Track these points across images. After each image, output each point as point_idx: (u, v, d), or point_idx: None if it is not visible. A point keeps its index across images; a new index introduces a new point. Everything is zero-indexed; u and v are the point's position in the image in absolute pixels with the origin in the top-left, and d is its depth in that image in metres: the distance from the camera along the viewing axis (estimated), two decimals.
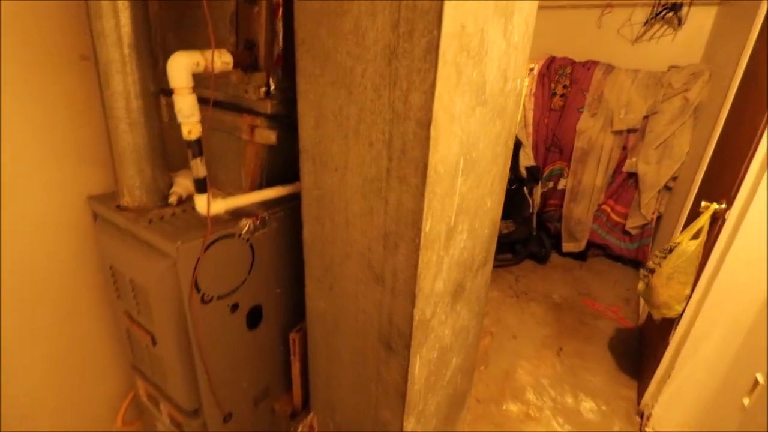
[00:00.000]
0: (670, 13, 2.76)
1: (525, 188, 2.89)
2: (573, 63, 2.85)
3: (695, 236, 1.44)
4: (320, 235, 0.79)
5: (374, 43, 0.58)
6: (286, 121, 0.83)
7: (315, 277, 0.86)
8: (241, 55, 0.74)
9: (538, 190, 3.05)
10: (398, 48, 0.55)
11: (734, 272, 1.30)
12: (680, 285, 1.46)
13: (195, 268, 0.78)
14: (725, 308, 1.35)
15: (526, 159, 3.04)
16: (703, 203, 1.43)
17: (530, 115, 2.97)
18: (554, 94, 2.90)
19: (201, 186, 0.75)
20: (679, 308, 1.49)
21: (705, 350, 1.42)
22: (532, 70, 1.67)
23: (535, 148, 3.06)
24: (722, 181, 1.49)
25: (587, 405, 1.76)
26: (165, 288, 0.81)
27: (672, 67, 2.59)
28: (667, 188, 2.59)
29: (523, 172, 2.95)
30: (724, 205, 1.37)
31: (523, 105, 2.97)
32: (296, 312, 1.06)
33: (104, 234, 0.95)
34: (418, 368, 0.83)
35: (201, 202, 0.77)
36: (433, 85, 0.53)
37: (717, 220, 1.40)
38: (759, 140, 1.22)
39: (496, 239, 1.16)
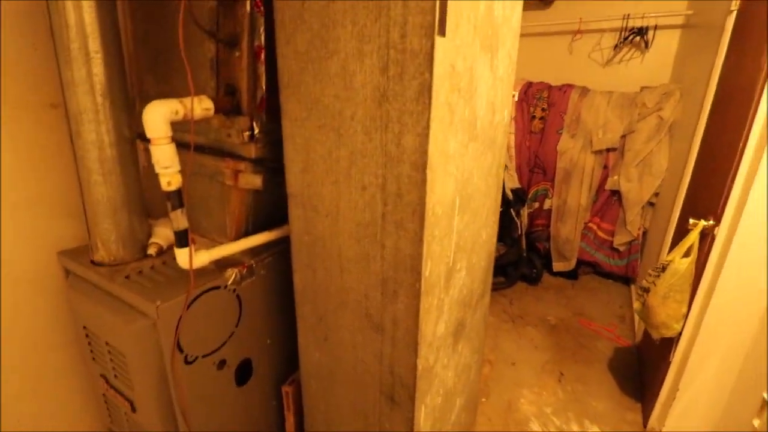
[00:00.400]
0: (637, 37, 2.89)
1: (512, 210, 2.90)
2: (549, 87, 2.93)
3: (686, 254, 1.44)
4: (312, 283, 0.75)
5: (363, 86, 0.56)
6: (272, 164, 0.79)
7: (308, 328, 0.80)
8: (222, 100, 0.71)
9: (524, 212, 3.07)
10: (389, 90, 0.53)
11: (730, 288, 1.30)
12: (677, 304, 1.45)
13: (177, 328, 0.72)
14: (725, 325, 1.33)
15: (511, 181, 3.07)
16: (692, 221, 1.44)
17: (512, 138, 3.02)
18: (533, 117, 2.97)
19: (182, 239, 0.70)
20: (678, 327, 1.47)
21: (708, 370, 1.39)
22: (514, 97, 1.69)
23: (519, 170, 3.10)
24: (707, 197, 1.51)
25: None
26: (144, 351, 0.75)
27: (644, 87, 2.69)
28: (650, 204, 2.63)
29: (509, 194, 2.97)
30: (711, 222, 1.38)
31: None
32: (289, 363, 1.00)
33: (77, 292, 0.88)
34: (423, 418, 0.77)
35: (182, 257, 0.71)
36: (427, 127, 0.51)
37: (706, 237, 1.41)
38: (740, 158, 1.25)
39: (492, 270, 1.13)
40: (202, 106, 0.69)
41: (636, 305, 1.63)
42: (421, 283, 0.58)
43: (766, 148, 1.13)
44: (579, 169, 2.83)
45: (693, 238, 1.42)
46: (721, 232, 1.32)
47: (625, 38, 2.86)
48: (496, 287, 2.85)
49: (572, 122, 2.82)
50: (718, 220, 1.34)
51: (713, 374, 1.38)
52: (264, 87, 0.73)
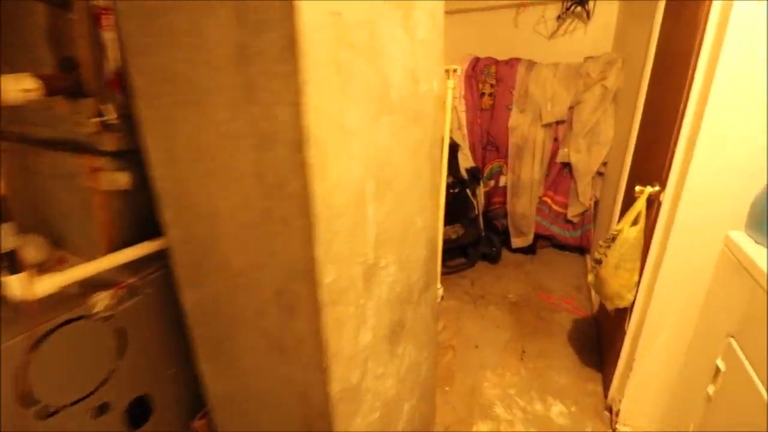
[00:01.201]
0: (579, 8, 2.87)
1: (468, 190, 2.84)
2: (497, 62, 2.87)
3: (635, 222, 1.41)
4: (201, 302, 0.62)
5: (219, 44, 0.43)
6: (142, 158, 0.65)
7: (207, 354, 0.67)
8: (56, 78, 0.55)
9: (481, 191, 3.03)
10: (250, 48, 0.40)
11: (678, 254, 1.28)
12: (628, 273, 1.43)
13: (22, 375, 0.57)
14: (675, 293, 1.32)
15: (465, 160, 3.01)
16: (638, 188, 1.41)
17: (463, 116, 2.95)
18: (483, 94, 2.91)
19: (10, 264, 0.55)
20: (630, 297, 1.46)
21: (662, 339, 1.38)
22: (455, 71, 1.59)
23: (473, 148, 3.04)
24: (652, 163, 1.48)
25: (557, 409, 1.68)
26: None
27: (588, 58, 2.68)
28: (599, 174, 2.65)
29: (464, 173, 2.91)
30: (657, 188, 1.35)
31: (455, 107, 2.94)
32: (201, 393, 0.86)
33: None
34: None
35: (13, 285, 0.56)
36: (300, 94, 0.39)
37: (653, 203, 1.38)
38: (681, 121, 1.21)
39: (437, 257, 1.04)
40: (18, 86, 0.53)
41: (590, 278, 1.61)
42: (320, 293, 0.47)
43: (705, 108, 1.09)
44: (530, 144, 2.81)
45: (640, 205, 1.39)
46: (666, 198, 1.29)
47: (567, 8, 2.82)
48: (457, 269, 2.81)
49: (521, 97, 2.78)
50: (663, 186, 1.31)
51: (667, 343, 1.38)
52: (118, 59, 0.58)
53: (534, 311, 2.33)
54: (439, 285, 1.81)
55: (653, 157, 1.48)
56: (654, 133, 1.54)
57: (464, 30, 3.49)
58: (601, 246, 1.54)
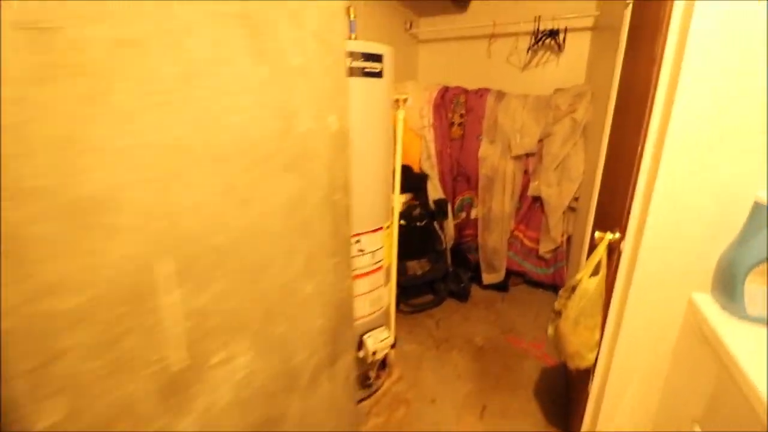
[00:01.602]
0: (550, 40, 2.82)
1: (435, 223, 2.70)
2: (466, 91, 2.79)
3: (595, 272, 1.27)
4: None
5: None
6: None
7: None
8: None
9: (450, 223, 2.89)
10: None
11: (640, 314, 1.13)
12: (588, 331, 1.27)
13: None
14: (637, 357, 1.16)
15: (435, 191, 2.88)
16: (597, 234, 1.27)
17: (432, 146, 2.85)
18: (452, 123, 2.81)
19: None
20: (592, 357, 1.29)
21: (625, 407, 1.21)
22: (405, 101, 1.47)
23: (443, 178, 2.92)
24: (613, 207, 1.35)
25: None
26: None
27: (558, 89, 2.61)
28: (571, 209, 2.54)
29: (433, 205, 2.78)
30: (618, 235, 1.22)
31: (423, 136, 2.84)
32: None
33: None
34: None
35: None
36: None
37: (614, 252, 1.24)
38: (639, 163, 1.08)
39: (350, 321, 0.87)
40: None
41: (549, 330, 1.45)
42: None
43: (663, 150, 0.97)
44: (500, 176, 2.70)
45: (600, 253, 1.25)
46: (626, 248, 1.15)
47: (538, 40, 2.78)
48: (422, 307, 2.62)
49: (490, 127, 2.68)
50: (623, 233, 1.18)
51: (631, 412, 1.21)
52: None
53: (501, 358, 2.15)
54: (387, 333, 1.63)
55: (614, 200, 1.36)
56: (615, 174, 1.42)
57: (437, 59, 3.44)
58: (561, 297, 1.39)
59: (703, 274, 0.98)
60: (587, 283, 1.26)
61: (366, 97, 1.40)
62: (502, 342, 2.28)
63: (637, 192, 1.10)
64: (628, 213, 1.14)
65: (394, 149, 1.63)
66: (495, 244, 2.80)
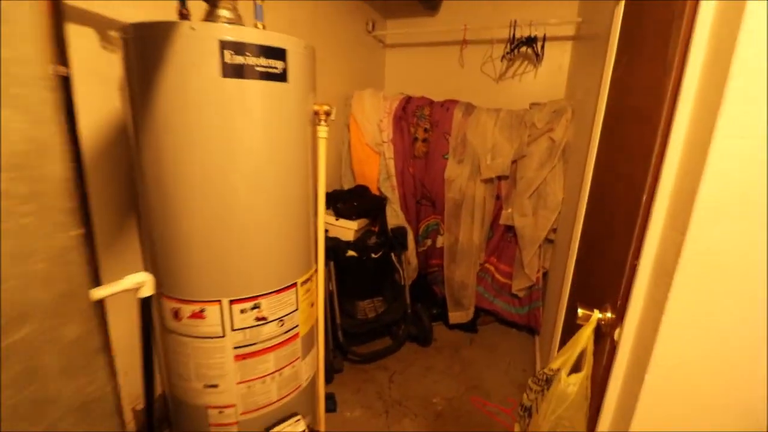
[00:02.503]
0: (526, 48, 2.50)
1: (393, 255, 2.31)
2: (431, 103, 2.43)
3: (576, 368, 0.89)
4: None
5: None
6: None
7: None
8: None
9: (411, 255, 2.50)
10: None
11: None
12: None
13: None
14: None
15: (394, 217, 2.49)
16: (580, 311, 0.89)
17: (391, 164, 2.47)
18: (416, 139, 2.44)
19: None
20: None
21: None
22: (327, 115, 1.07)
23: (404, 201, 2.54)
24: (602, 270, 0.98)
25: None
26: None
27: (533, 104, 2.27)
28: (548, 241, 2.18)
29: (391, 234, 2.39)
30: (609, 315, 0.85)
31: (382, 153, 2.46)
32: None
33: None
34: None
35: None
36: None
37: (604, 339, 0.87)
38: (645, 220, 0.71)
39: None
40: None
41: (516, 429, 1.06)
42: None
43: (693, 209, 0.59)
44: (469, 201, 2.33)
45: (584, 339, 0.87)
46: (625, 338, 0.78)
47: (513, 47, 2.45)
48: (376, 356, 2.21)
49: (458, 145, 2.32)
50: (619, 315, 0.80)
51: None
52: None
53: (463, 426, 1.75)
54: (303, 426, 1.21)
55: (603, 260, 0.99)
56: (605, 220, 1.06)
57: (405, 67, 3.09)
58: (531, 389, 1.01)
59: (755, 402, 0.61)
60: (565, 383, 0.87)
61: (261, 108, 1.00)
62: (466, 404, 1.89)
63: (643, 262, 0.72)
64: (627, 290, 0.77)
65: (315, 175, 1.23)
66: (463, 278, 2.43)
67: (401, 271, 2.32)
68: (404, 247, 2.33)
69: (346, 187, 2.62)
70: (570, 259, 1.45)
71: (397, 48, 3.09)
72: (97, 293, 0.68)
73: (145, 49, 0.93)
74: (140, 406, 1.54)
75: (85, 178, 1.12)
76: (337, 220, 2.29)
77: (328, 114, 1.17)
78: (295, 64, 1.04)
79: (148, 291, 0.80)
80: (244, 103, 0.98)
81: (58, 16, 0.90)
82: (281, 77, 1.01)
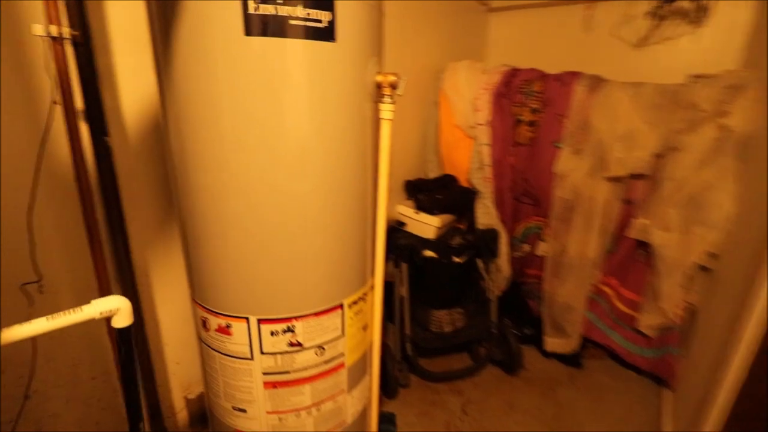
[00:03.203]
0: (688, 2, 1.84)
1: (479, 262, 1.94)
2: (543, 76, 1.94)
3: None
4: None
5: None
6: None
7: None
8: None
9: (502, 263, 2.10)
10: None
11: None
12: None
13: None
14: None
15: (485, 215, 2.11)
16: None
17: (486, 151, 2.06)
18: (520, 121, 1.99)
19: None
20: None
21: None
22: (393, 87, 0.77)
23: (500, 196, 2.13)
24: None
25: None
26: None
27: (696, 77, 1.65)
28: (703, 269, 1.59)
29: (479, 236, 2.02)
30: None
31: (475, 137, 2.07)
32: None
33: None
34: None
35: None
36: None
37: None
38: None
39: None
40: None
41: None
42: None
43: None
44: (586, 202, 1.83)
45: None
46: None
47: (667, 0, 1.81)
48: (449, 376, 1.90)
49: (577, 131, 1.82)
50: None
51: None
52: None
53: None
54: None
55: None
56: None
57: (513, 34, 2.59)
58: None
59: None
60: None
61: (296, 76, 0.74)
62: None
63: None
64: None
65: (376, 164, 0.94)
66: (568, 298, 1.95)
67: (488, 281, 1.94)
68: (494, 253, 1.94)
69: (430, 175, 2.30)
70: (753, 299, 0.94)
71: (504, 12, 2.59)
72: (29, 329, 0.50)
73: (165, 7, 0.73)
74: (192, 395, 1.49)
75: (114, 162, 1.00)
76: (417, 213, 2.00)
77: (394, 87, 0.86)
78: (347, 16, 0.75)
79: (123, 320, 0.62)
80: (272, 71, 0.73)
81: None
82: (326, 34, 0.73)
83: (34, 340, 0.94)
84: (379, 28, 0.87)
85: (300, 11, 0.70)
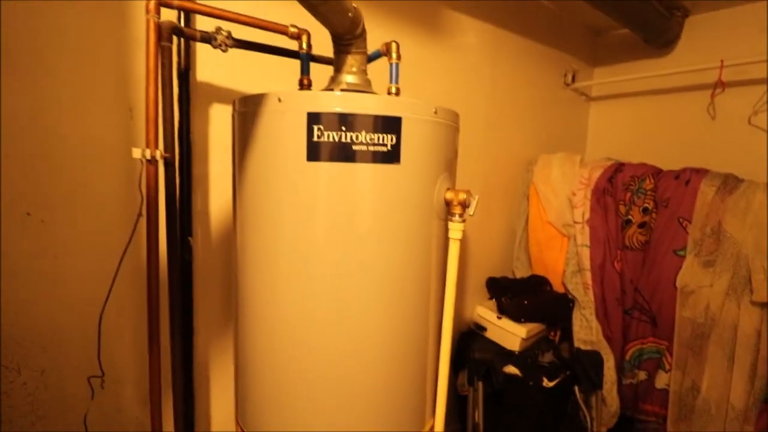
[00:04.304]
0: None
1: (577, 391, 1.59)
2: (657, 172, 1.69)
3: None
4: None
5: None
6: None
7: None
8: None
9: (610, 395, 1.70)
10: None
11: None
12: None
13: None
14: None
15: (585, 329, 1.78)
16: None
17: (586, 253, 1.79)
18: (628, 222, 1.72)
19: None
20: None
21: None
22: (465, 206, 0.68)
23: (602, 307, 1.80)
24: None
25: None
26: None
27: None
28: None
29: (575, 356, 1.69)
30: None
31: (573, 236, 1.83)
32: None
33: None
34: None
35: None
36: None
37: None
38: None
39: None
40: None
41: None
42: None
43: None
44: (725, 331, 1.44)
45: None
46: None
47: None
48: None
49: (705, 238, 1.50)
50: None
51: None
52: None
53: None
54: None
55: None
56: None
57: (616, 123, 2.38)
58: None
59: None
60: None
61: (357, 200, 0.69)
62: None
63: None
64: None
65: (441, 290, 0.82)
66: None
67: (588, 417, 1.56)
68: (595, 384, 1.58)
69: (518, 274, 2.06)
70: None
71: (608, 100, 2.42)
72: None
73: (243, 126, 0.77)
74: None
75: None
76: (499, 318, 1.77)
77: (465, 205, 0.77)
78: (414, 137, 0.70)
79: None
80: (334, 195, 0.69)
81: (167, 93, 0.85)
82: (390, 157, 0.68)
83: None
84: (451, 144, 0.81)
85: (364, 136, 0.67)
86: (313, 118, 0.66)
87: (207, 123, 1.09)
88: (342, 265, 0.71)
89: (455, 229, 0.78)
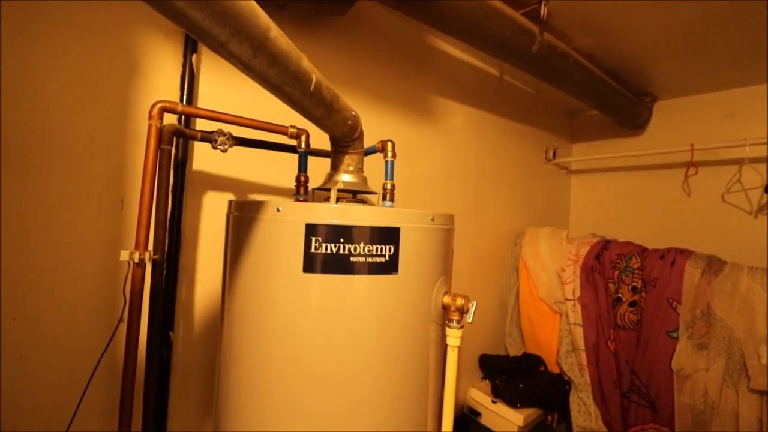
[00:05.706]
0: None
1: None
2: (642, 251, 1.72)
3: None
4: None
5: None
6: None
7: None
8: None
9: None
10: None
11: None
12: None
13: None
14: None
15: (583, 414, 1.71)
16: None
17: (579, 333, 1.77)
18: (618, 299, 1.72)
19: None
20: None
21: None
22: (463, 312, 0.66)
23: (599, 389, 1.74)
24: None
25: None
26: None
27: None
28: None
29: None
30: None
31: (565, 314, 1.81)
32: None
33: None
34: None
35: None
36: None
37: None
38: None
39: None
40: None
41: None
42: None
43: None
44: (726, 418, 1.39)
45: None
46: None
47: None
48: None
49: (696, 320, 1.49)
50: None
51: None
52: None
53: None
54: None
55: None
56: None
57: (598, 195, 2.48)
58: None
59: None
60: None
61: (357, 307, 0.67)
62: None
63: None
64: None
65: (438, 396, 0.77)
66: None
67: None
68: None
69: (510, 351, 2.01)
70: None
71: (588, 174, 2.54)
72: None
73: (238, 230, 0.76)
74: None
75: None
76: (494, 402, 1.68)
77: (463, 312, 0.75)
78: (412, 245, 0.70)
79: None
80: (329, 305, 0.67)
81: (163, 192, 0.85)
82: (388, 268, 0.68)
83: None
84: (448, 246, 0.81)
85: (362, 248, 0.66)
86: (312, 230, 0.66)
87: (199, 210, 1.08)
88: (337, 381, 0.67)
89: (453, 336, 0.76)
